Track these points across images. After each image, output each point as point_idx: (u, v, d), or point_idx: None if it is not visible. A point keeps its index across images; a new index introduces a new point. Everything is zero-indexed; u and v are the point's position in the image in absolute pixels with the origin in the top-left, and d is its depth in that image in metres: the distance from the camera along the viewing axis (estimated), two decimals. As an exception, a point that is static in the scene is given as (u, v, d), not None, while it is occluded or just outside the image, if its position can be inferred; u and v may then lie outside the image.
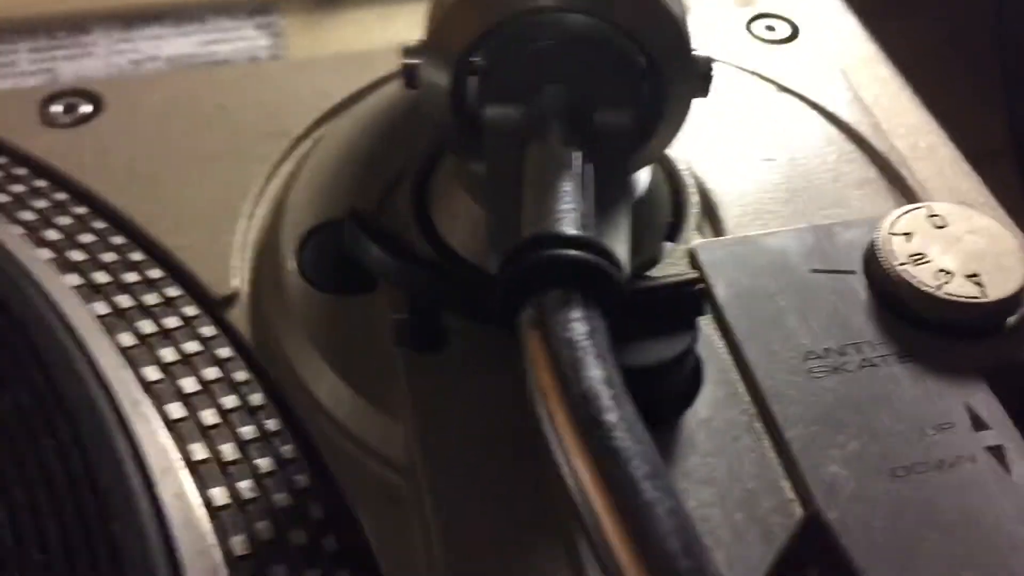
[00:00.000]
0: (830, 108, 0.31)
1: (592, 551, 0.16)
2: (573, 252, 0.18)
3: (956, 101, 0.37)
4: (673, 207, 0.26)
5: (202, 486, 0.21)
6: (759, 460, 0.21)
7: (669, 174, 0.26)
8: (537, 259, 0.18)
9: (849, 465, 0.20)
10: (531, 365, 0.18)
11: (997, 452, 0.21)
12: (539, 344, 0.18)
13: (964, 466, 0.20)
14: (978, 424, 0.21)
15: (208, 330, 0.25)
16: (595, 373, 0.17)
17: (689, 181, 0.26)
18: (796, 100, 0.31)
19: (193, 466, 0.21)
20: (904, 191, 0.28)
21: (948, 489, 0.20)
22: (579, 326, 0.18)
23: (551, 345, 0.17)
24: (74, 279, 0.25)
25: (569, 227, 0.19)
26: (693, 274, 0.22)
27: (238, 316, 0.26)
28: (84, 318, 0.23)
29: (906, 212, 0.24)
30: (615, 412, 0.16)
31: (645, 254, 0.24)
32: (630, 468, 0.16)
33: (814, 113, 0.30)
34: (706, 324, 0.23)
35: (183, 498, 0.20)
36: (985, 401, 0.21)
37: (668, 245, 0.25)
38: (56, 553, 0.19)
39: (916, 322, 0.23)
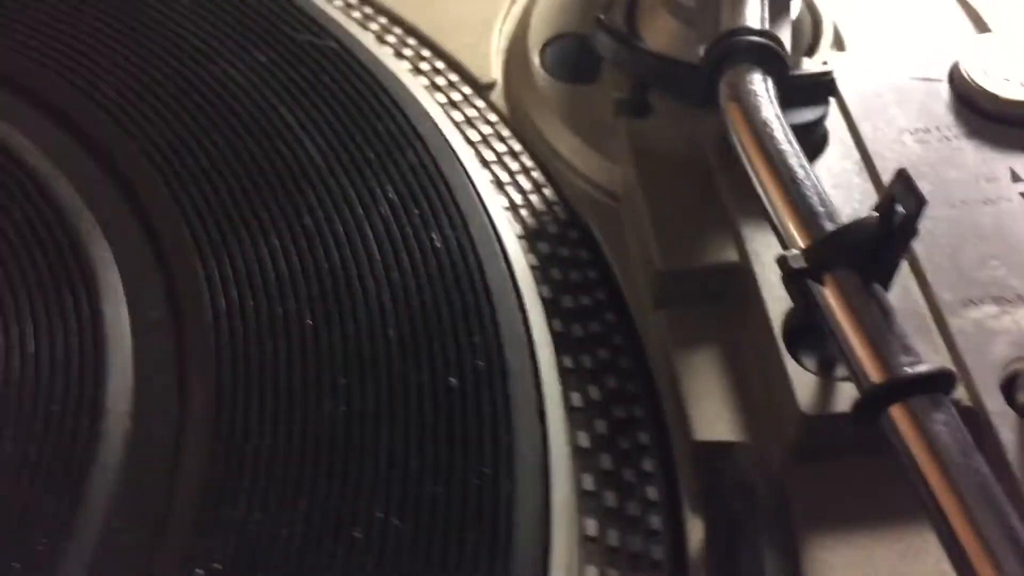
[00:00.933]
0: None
1: (767, 215, 0.27)
2: (758, 37, 0.29)
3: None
4: (812, 33, 0.36)
5: (494, 192, 0.32)
6: (863, 193, 0.31)
7: (811, 8, 0.36)
8: (734, 41, 0.29)
9: (924, 199, 0.31)
10: (727, 107, 0.28)
11: (1026, 197, 0.31)
12: (732, 94, 0.28)
13: (1002, 203, 0.31)
14: (1016, 178, 0.31)
15: (480, 103, 0.36)
16: (769, 110, 0.28)
17: (825, 16, 0.36)
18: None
19: (495, 184, 0.33)
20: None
21: (989, 216, 0.30)
22: (760, 84, 0.28)
23: (741, 94, 0.28)
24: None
25: (755, 23, 0.29)
26: (830, 69, 0.32)
27: (497, 97, 0.37)
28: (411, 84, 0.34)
29: (984, 37, 0.34)
30: (780, 131, 0.27)
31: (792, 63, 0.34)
32: (789, 162, 0.27)
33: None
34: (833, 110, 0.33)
35: (493, 202, 0.31)
36: (1021, 164, 0.31)
37: (806, 59, 0.35)
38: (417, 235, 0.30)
39: (983, 115, 0.33)
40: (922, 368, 0.23)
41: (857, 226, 0.25)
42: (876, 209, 0.25)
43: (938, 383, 0.23)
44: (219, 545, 0.24)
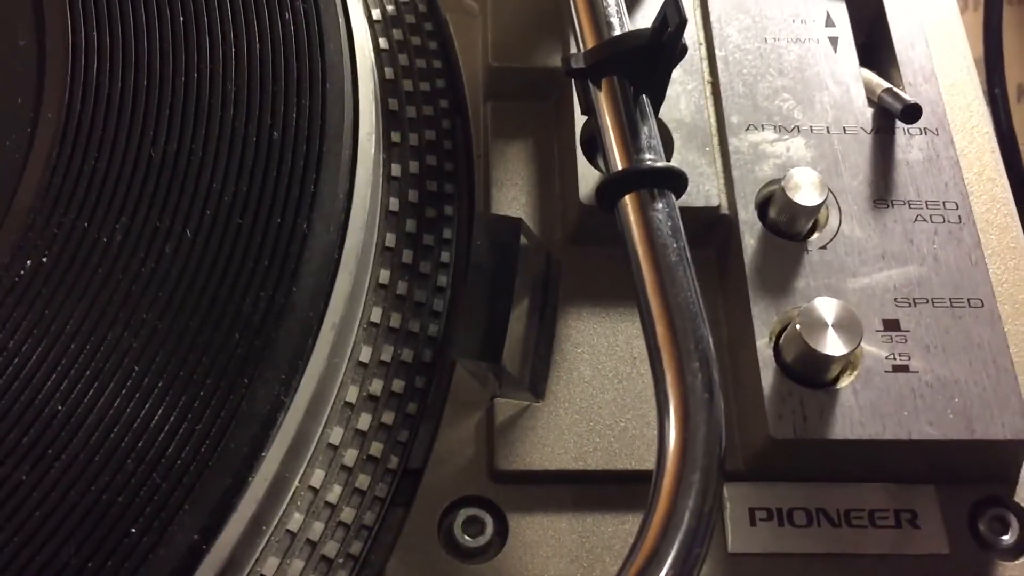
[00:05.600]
0: None
1: (570, 17, 0.30)
2: None
3: None
4: None
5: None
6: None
7: None
8: None
9: (741, 33, 0.34)
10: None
11: (833, 42, 0.34)
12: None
13: (810, 44, 0.34)
14: (829, 23, 0.34)
15: None
16: None
17: None
18: None
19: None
20: None
21: (795, 54, 0.33)
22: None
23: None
24: None
25: None
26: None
27: None
28: None
29: None
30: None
31: None
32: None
33: None
34: None
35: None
36: (837, 11, 0.34)
37: None
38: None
39: (817, -38, 0.35)
40: (658, 164, 0.27)
41: (631, 35, 0.28)
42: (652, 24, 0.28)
43: (669, 180, 0.27)
44: (48, 243, 0.28)
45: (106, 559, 0.24)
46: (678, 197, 0.27)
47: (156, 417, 0.26)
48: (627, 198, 0.27)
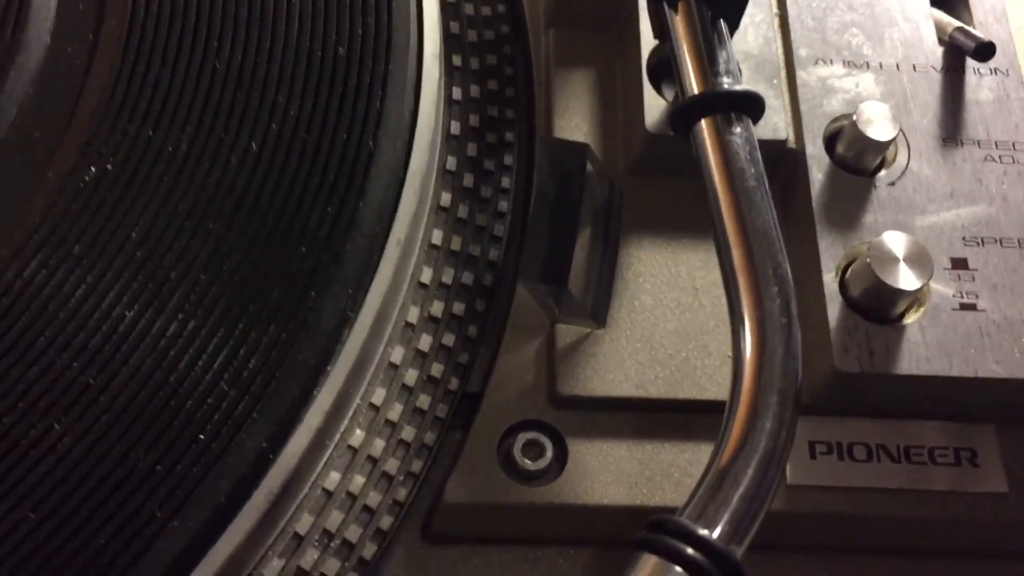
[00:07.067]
0: None
1: None
2: None
3: None
4: None
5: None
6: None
7: None
8: None
9: (811, -33, 0.33)
10: None
11: (904, -22, 0.33)
12: None
13: (880, -20, 0.33)
14: (900, -39, 0.33)
15: None
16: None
17: None
18: None
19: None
20: None
21: (865, -11, 0.33)
22: None
23: None
24: None
25: None
26: None
27: None
28: None
29: None
30: None
31: None
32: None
33: None
34: None
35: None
36: (909, -52, 0.34)
37: None
38: None
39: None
40: (736, 88, 0.26)
41: (712, -42, 0.27)
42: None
43: (746, 104, 0.26)
44: (113, 149, 0.27)
45: (175, 463, 0.24)
46: (755, 123, 0.27)
47: (223, 327, 0.26)
48: (703, 122, 0.26)
